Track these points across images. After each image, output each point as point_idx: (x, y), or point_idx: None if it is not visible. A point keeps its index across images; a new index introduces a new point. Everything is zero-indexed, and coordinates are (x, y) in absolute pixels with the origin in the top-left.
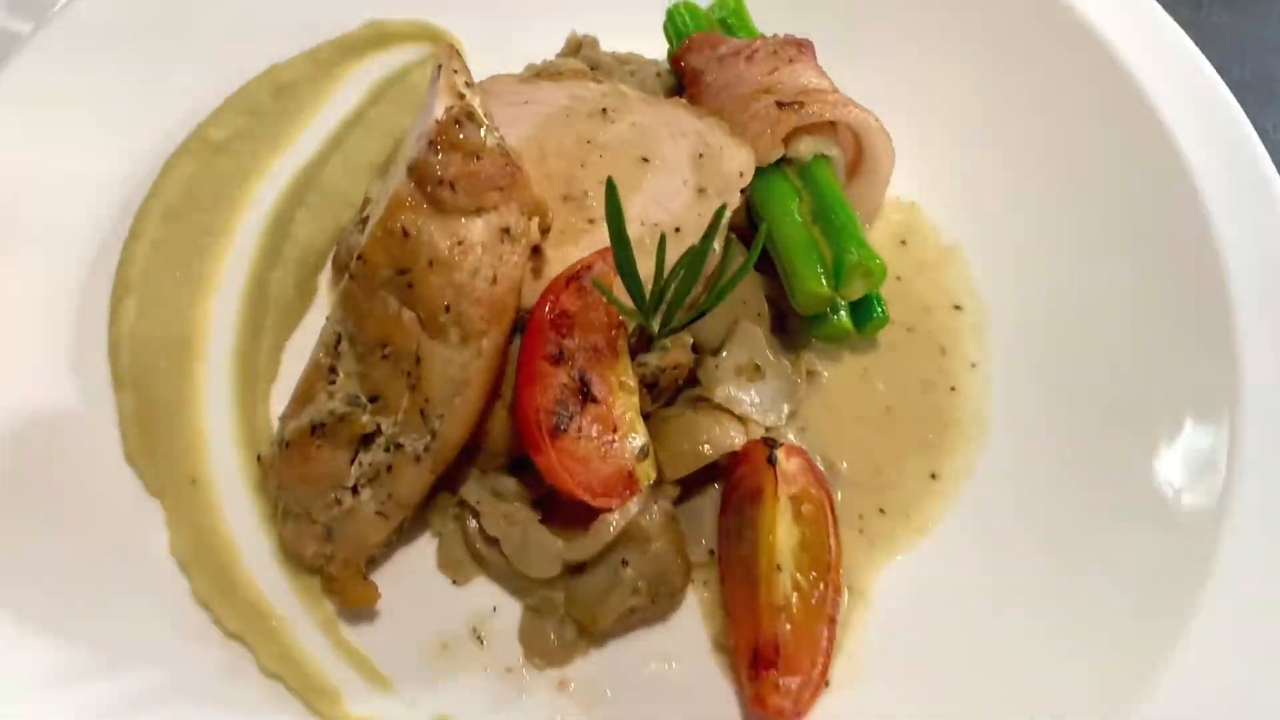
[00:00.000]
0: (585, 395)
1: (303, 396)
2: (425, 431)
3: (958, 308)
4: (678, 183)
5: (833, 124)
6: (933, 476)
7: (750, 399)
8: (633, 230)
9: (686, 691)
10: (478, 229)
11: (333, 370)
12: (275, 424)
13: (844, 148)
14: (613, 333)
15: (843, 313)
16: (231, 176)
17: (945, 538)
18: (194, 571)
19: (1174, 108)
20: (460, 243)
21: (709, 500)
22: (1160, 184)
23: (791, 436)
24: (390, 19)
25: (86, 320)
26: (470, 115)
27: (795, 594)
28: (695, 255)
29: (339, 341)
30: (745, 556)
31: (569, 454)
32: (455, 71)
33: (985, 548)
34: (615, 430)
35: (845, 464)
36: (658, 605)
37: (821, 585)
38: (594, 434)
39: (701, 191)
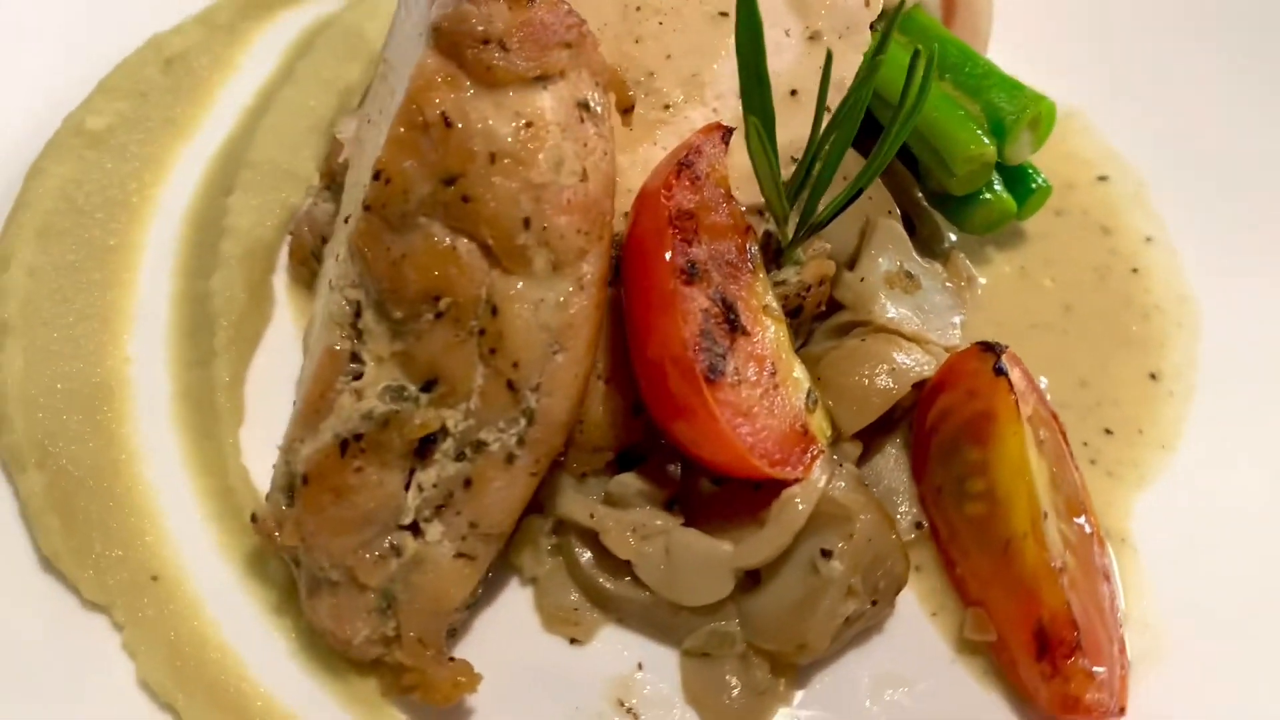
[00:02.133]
0: (733, 325)
1: (313, 409)
2: (517, 413)
3: (1103, 178)
4: (778, 34)
5: None
6: (1152, 377)
7: (914, 315)
8: (728, 108)
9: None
10: (547, 102)
11: (355, 358)
12: (256, 470)
13: None
14: (743, 240)
15: (999, 188)
16: (122, 173)
17: (1197, 450)
18: (180, 702)
19: None
20: (529, 124)
21: (888, 458)
22: None
23: None
24: None
25: None
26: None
27: (1066, 550)
28: (851, 109)
29: (358, 314)
30: (982, 513)
31: (731, 407)
32: None
33: (1250, 453)
34: (774, 372)
35: (1042, 381)
36: (879, 607)
37: (1086, 533)
38: (753, 378)
39: (815, 37)
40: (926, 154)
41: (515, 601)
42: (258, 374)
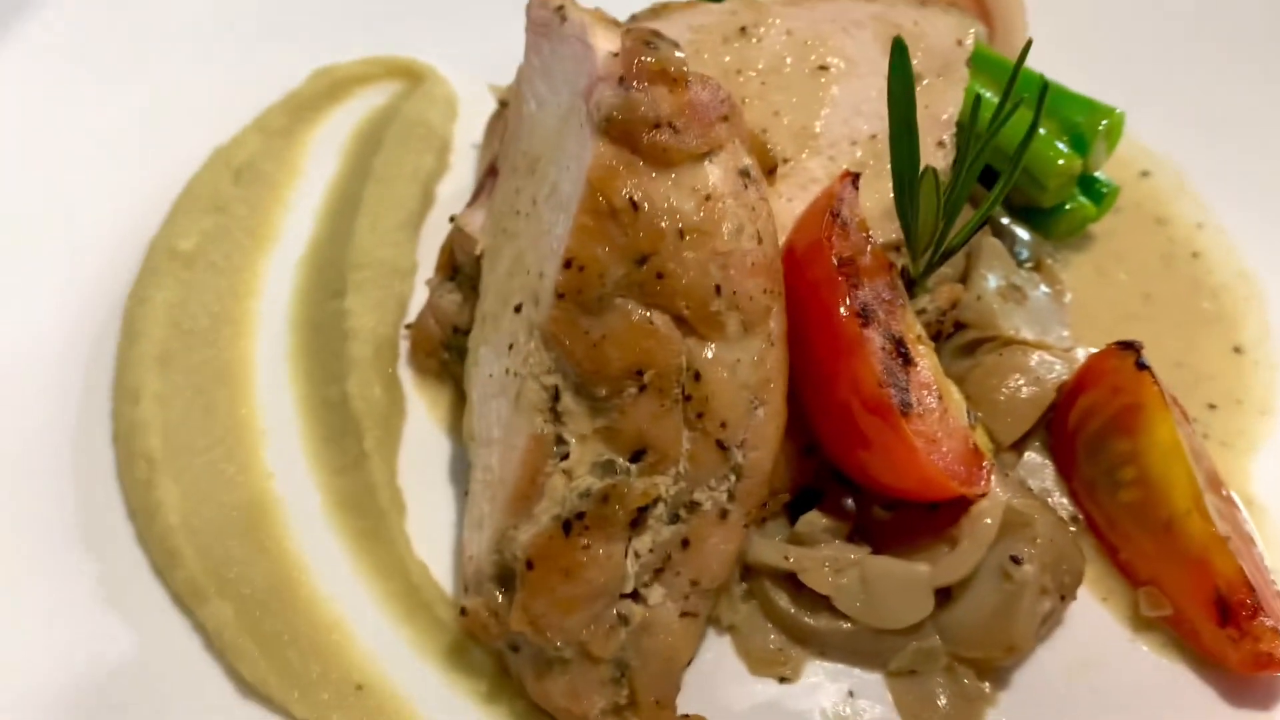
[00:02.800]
0: (905, 359)
1: (522, 496)
2: (727, 470)
3: (1145, 174)
4: (878, 81)
5: None
6: (1236, 350)
7: (1029, 324)
8: (843, 154)
9: (1142, 698)
10: (717, 174)
11: (560, 440)
12: (434, 566)
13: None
14: (889, 277)
15: (1081, 196)
16: (219, 289)
17: None
18: None
19: None
20: (707, 197)
21: (1032, 461)
22: None
23: None
24: (341, 62)
25: (100, 537)
26: (656, 34)
27: (1220, 518)
28: (982, 147)
29: (556, 398)
30: (1139, 498)
31: (923, 436)
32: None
33: None
34: (940, 396)
35: None
36: (1066, 600)
37: (1233, 501)
38: (931, 405)
39: (916, 79)
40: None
41: (717, 651)
42: (410, 466)
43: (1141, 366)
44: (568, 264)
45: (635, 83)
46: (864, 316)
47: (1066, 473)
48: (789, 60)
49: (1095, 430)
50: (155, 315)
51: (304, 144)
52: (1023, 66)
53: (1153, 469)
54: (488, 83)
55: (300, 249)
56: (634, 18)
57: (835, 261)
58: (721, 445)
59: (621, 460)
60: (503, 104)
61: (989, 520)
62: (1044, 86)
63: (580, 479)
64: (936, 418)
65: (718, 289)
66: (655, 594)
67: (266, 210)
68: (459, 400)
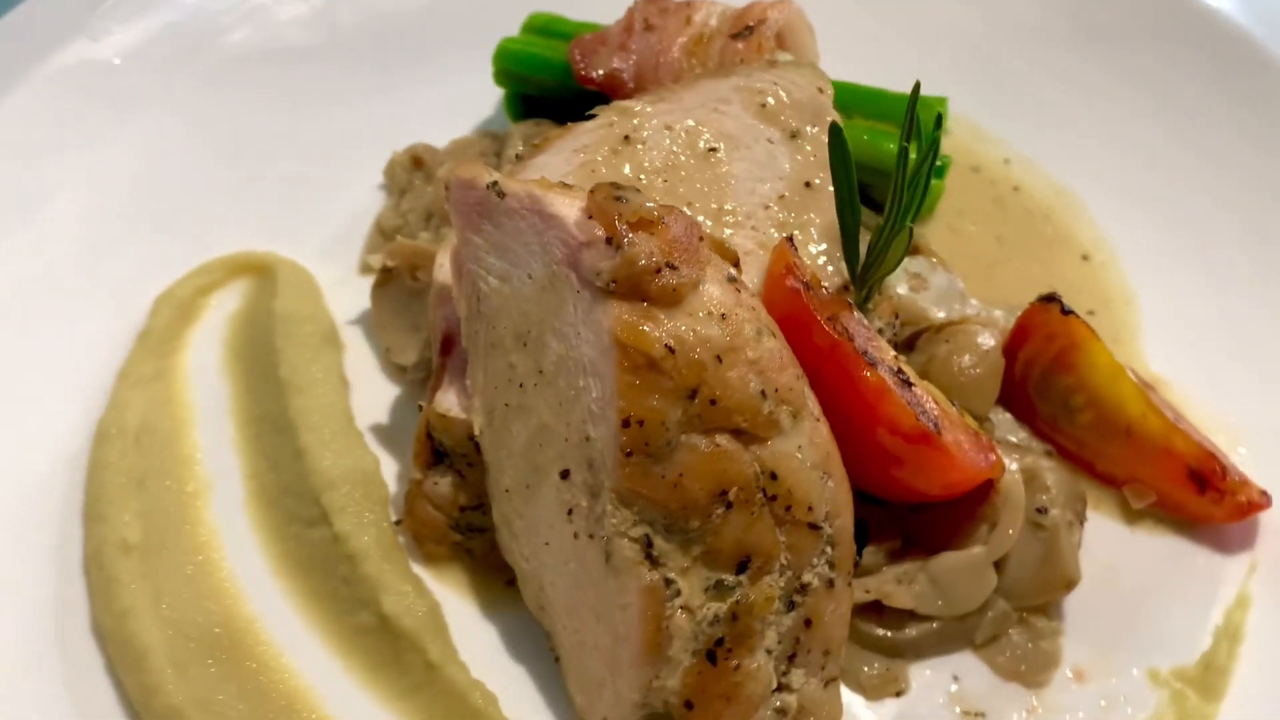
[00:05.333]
0: (907, 382)
1: (653, 646)
2: (822, 544)
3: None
4: (763, 145)
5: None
6: (1084, 258)
7: (943, 303)
8: (763, 220)
9: (1160, 571)
10: (715, 291)
11: (668, 582)
12: None
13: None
14: (856, 316)
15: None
16: (188, 570)
17: (1152, 292)
18: None
19: None
20: (722, 315)
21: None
22: None
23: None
24: (178, 279)
25: None
26: (616, 185)
27: (1164, 408)
28: (914, 187)
29: (649, 545)
30: (1095, 418)
31: (953, 443)
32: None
33: (1186, 261)
34: (935, 400)
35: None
36: (1083, 524)
37: (1150, 387)
38: (939, 413)
39: (796, 135)
40: (872, 176)
41: None
42: (469, 658)
43: (1066, 312)
44: (626, 423)
45: (623, 238)
46: (873, 363)
47: (1026, 418)
48: (680, 154)
49: (1040, 375)
50: (144, 628)
51: (183, 380)
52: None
53: (1099, 391)
54: (328, 252)
55: (238, 491)
56: (519, 158)
57: (833, 331)
58: (813, 526)
59: (729, 576)
60: (385, 270)
61: (1015, 489)
62: (939, 117)
63: (702, 608)
64: (950, 422)
65: (763, 394)
66: (797, 677)
67: (183, 465)
68: (477, 573)
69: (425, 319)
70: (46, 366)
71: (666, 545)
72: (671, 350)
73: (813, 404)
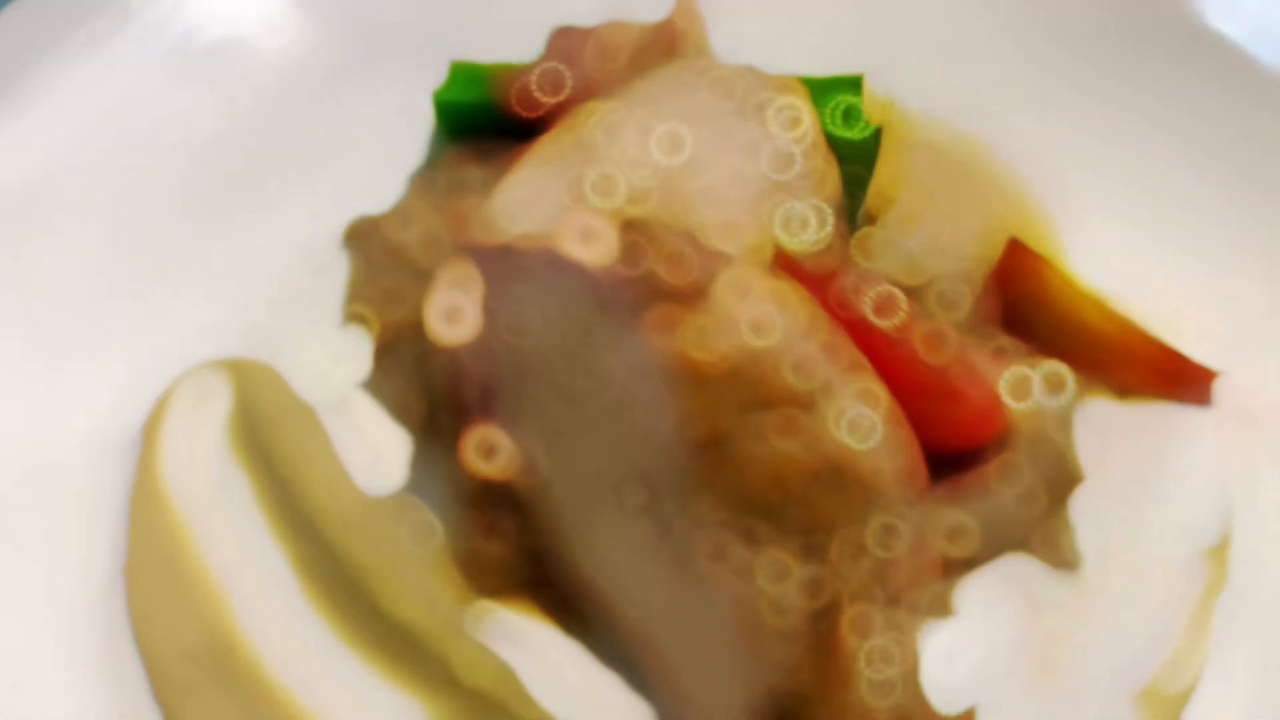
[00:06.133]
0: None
1: (751, 633)
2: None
3: None
4: (728, 119)
5: None
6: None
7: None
8: (741, 192)
9: (1147, 431)
10: (735, 276)
11: (753, 566)
12: None
13: None
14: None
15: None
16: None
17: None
18: None
19: None
20: (747, 295)
21: None
22: None
23: None
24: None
25: None
26: (633, 225)
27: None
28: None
29: (727, 532)
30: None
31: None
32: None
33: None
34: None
35: None
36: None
37: None
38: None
39: (758, 107)
40: None
41: None
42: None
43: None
44: (681, 420)
45: (644, 274)
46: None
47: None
48: (649, 143)
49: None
50: None
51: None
52: None
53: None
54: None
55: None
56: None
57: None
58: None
59: (811, 541)
60: (383, 349)
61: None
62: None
63: (787, 582)
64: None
65: (801, 365)
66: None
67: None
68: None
69: (428, 379)
70: None
71: (743, 528)
72: (709, 339)
73: (857, 364)
